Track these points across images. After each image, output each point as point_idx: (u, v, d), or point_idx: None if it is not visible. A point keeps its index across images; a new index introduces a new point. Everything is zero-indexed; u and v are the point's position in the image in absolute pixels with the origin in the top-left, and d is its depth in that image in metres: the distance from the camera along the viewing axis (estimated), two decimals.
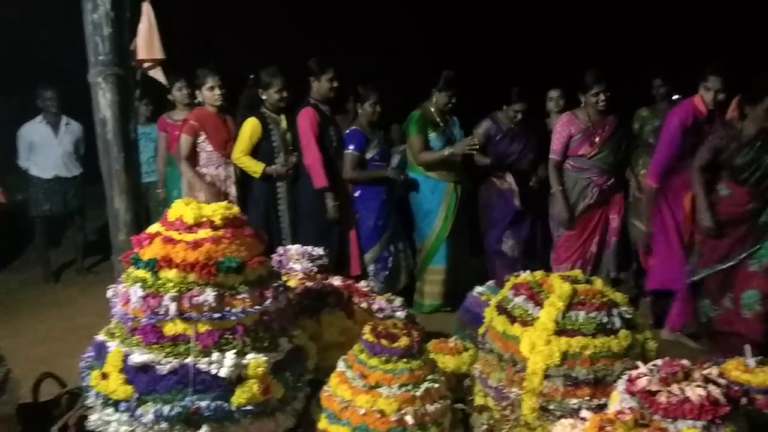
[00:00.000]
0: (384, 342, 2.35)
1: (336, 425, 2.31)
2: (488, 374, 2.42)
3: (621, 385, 2.03)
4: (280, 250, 3.34)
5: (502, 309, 2.48)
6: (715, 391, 1.86)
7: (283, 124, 4.24)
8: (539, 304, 2.38)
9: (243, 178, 4.27)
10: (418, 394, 2.27)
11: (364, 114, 4.29)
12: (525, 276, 2.63)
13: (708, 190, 3.53)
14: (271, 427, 2.25)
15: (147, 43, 3.21)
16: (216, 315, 2.16)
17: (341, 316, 2.79)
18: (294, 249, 3.32)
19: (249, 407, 2.16)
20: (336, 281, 3.02)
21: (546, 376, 2.24)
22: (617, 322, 2.31)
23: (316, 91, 4.23)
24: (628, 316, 2.37)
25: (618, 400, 1.99)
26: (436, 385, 2.32)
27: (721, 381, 1.95)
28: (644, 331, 2.40)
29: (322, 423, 2.36)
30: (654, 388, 1.92)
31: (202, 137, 4.18)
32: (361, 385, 2.31)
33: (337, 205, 4.18)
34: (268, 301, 2.29)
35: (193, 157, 4.23)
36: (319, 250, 3.33)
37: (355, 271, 4.33)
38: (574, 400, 2.22)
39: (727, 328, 3.52)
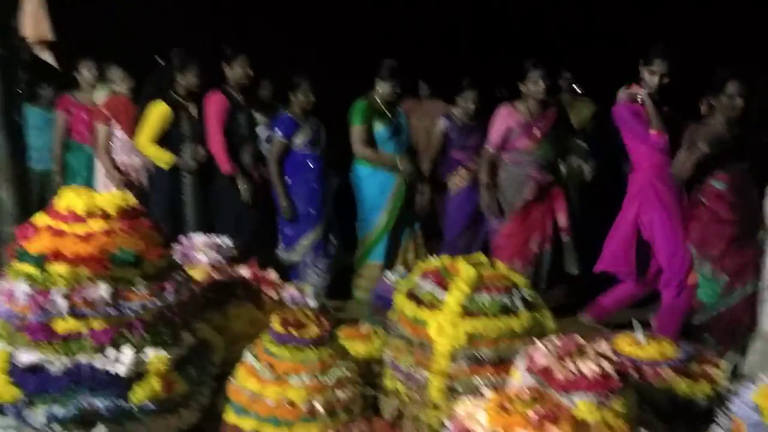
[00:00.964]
0: (292, 331, 2.32)
1: (244, 418, 2.27)
2: (398, 359, 2.44)
3: (521, 363, 2.11)
4: (185, 240, 3.22)
5: (411, 294, 2.51)
6: (607, 366, 1.96)
7: (193, 111, 4.08)
8: (446, 288, 2.42)
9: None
10: (328, 382, 2.27)
11: (297, 102, 4.15)
12: (433, 261, 2.67)
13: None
14: (174, 424, 2.18)
15: (33, 20, 2.98)
16: (111, 310, 2.05)
17: (250, 307, 2.73)
18: (199, 239, 3.21)
19: (150, 405, 2.07)
20: (244, 272, 2.95)
21: (452, 358, 2.29)
22: (519, 304, 2.39)
23: (230, 77, 4.11)
24: (529, 298, 2.46)
25: (519, 378, 2.06)
26: (347, 373, 2.32)
27: (613, 356, 2.06)
28: (543, 311, 2.49)
29: (230, 416, 2.30)
30: (551, 364, 2.01)
31: (115, 125, 4.00)
32: (269, 376, 2.27)
33: (250, 188, 4.07)
34: (169, 295, 2.20)
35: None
36: (226, 240, 3.24)
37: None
38: (479, 379, 2.29)
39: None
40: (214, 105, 4.02)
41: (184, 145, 4.01)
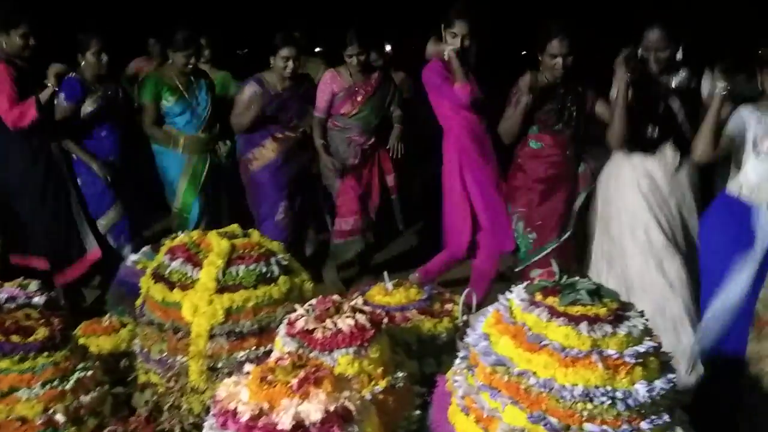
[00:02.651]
0: (15, 338, 1.99)
1: None
2: (149, 347, 2.26)
3: (282, 329, 2.10)
4: None
5: (159, 276, 2.32)
6: (362, 318, 2.06)
7: None
8: (198, 264, 2.29)
9: None
10: (68, 387, 2.01)
11: (87, 65, 3.62)
12: (181, 237, 2.50)
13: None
14: None
15: None
16: None
17: None
18: None
19: None
20: None
21: (211, 337, 2.19)
22: (276, 270, 2.37)
23: (6, 48, 3.41)
24: (285, 263, 2.45)
25: (281, 345, 2.06)
26: (89, 373, 2.08)
27: (366, 308, 2.17)
28: (300, 274, 2.52)
29: None
30: (311, 326, 2.04)
31: None
32: None
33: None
34: None
35: None
36: None
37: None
38: (241, 353, 2.22)
39: None
40: None
41: None
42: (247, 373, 1.74)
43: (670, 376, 1.63)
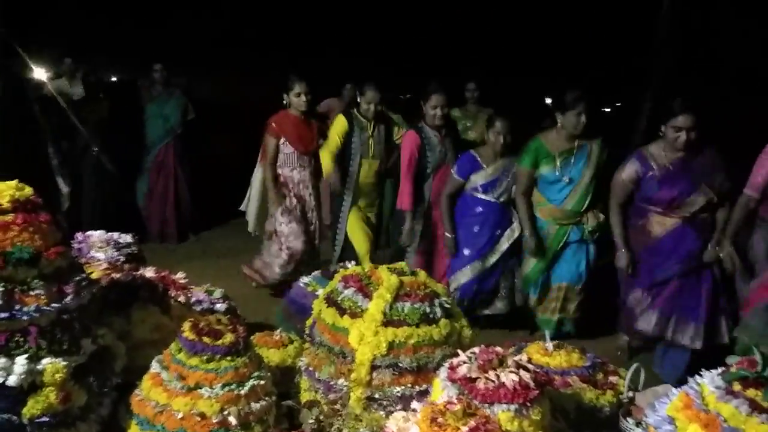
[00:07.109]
0: (206, 339, 2.19)
1: (149, 431, 2.10)
2: (317, 367, 2.38)
3: (443, 372, 2.12)
4: (80, 236, 2.95)
5: (331, 301, 2.45)
6: (526, 376, 2.02)
7: (372, 130, 4.20)
8: (368, 296, 2.39)
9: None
10: (242, 392, 2.16)
11: (489, 143, 3.81)
12: (354, 268, 2.63)
13: None
14: None
15: None
16: (3, 314, 1.82)
17: (154, 311, 2.55)
18: (96, 235, 2.96)
19: (45, 418, 1.87)
20: (149, 272, 2.74)
21: (373, 367, 2.27)
22: (438, 312, 2.41)
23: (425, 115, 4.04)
24: (448, 306, 2.48)
25: (441, 387, 2.07)
26: (262, 382, 2.22)
27: (531, 366, 2.12)
28: (460, 319, 2.53)
29: (133, 430, 2.13)
30: (473, 375, 2.03)
31: (283, 139, 4.23)
32: (178, 387, 2.13)
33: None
34: (68, 298, 2.00)
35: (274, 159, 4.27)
36: (126, 237, 3.00)
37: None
38: (398, 388, 2.27)
39: None
40: (406, 143, 4.04)
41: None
42: (415, 410, 1.77)
43: None
